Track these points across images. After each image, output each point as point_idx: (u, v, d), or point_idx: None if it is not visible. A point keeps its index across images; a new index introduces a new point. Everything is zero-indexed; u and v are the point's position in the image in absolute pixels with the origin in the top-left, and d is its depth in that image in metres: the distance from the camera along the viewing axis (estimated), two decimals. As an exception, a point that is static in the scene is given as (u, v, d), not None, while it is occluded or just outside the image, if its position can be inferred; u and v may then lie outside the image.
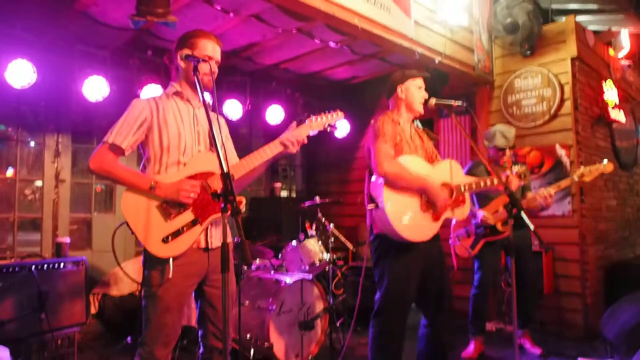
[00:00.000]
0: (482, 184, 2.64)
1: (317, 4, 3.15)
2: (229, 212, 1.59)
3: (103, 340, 4.15)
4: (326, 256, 3.85)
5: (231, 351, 3.29)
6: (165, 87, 2.23)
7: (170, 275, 1.90)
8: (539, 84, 4.73)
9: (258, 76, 5.21)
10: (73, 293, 3.58)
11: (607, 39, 5.43)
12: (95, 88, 3.92)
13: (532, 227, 2.26)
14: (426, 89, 2.75)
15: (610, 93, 5.16)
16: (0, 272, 3.19)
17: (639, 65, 6.36)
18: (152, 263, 1.94)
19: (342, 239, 4.34)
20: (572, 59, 4.59)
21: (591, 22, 5.33)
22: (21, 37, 3.60)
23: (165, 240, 1.90)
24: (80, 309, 3.61)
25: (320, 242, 3.94)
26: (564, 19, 4.78)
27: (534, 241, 3.94)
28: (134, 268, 4.30)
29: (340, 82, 5.79)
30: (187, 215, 1.95)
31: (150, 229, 1.89)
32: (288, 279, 3.49)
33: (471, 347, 3.75)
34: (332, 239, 3.91)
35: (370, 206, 2.51)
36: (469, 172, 3.62)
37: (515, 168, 2.93)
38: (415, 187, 2.50)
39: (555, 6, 5.09)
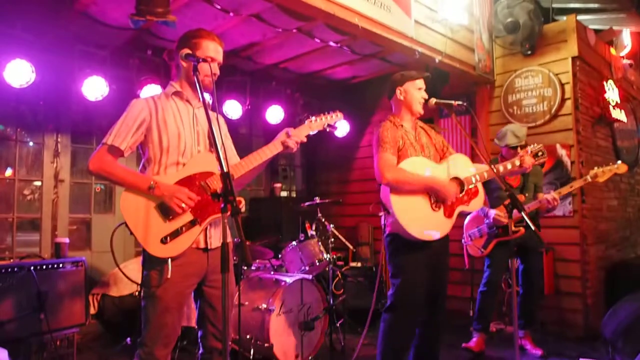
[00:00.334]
0: (494, 170, 2.64)
1: (318, 3, 3.15)
2: (228, 212, 1.58)
3: (102, 341, 4.14)
4: (326, 256, 3.84)
5: (231, 352, 3.28)
6: (165, 86, 2.22)
7: (169, 276, 1.89)
8: (539, 84, 4.72)
9: (258, 76, 5.20)
10: (72, 293, 3.57)
11: (609, 38, 5.41)
12: (95, 88, 3.91)
13: (532, 227, 2.26)
14: (426, 89, 2.76)
15: (612, 92, 5.15)
16: (-1, 272, 3.18)
17: (640, 65, 6.35)
18: (151, 263, 1.93)
19: (342, 239, 4.33)
20: (573, 59, 4.58)
21: (592, 21, 5.32)
22: (21, 36, 3.59)
23: (164, 240, 1.89)
24: (80, 309, 3.60)
25: (320, 242, 3.93)
26: (565, 18, 4.77)
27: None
28: (133, 268, 4.29)
29: (341, 81, 5.78)
30: (186, 216, 1.94)
31: (149, 230, 1.88)
32: (288, 279, 3.48)
33: (473, 341, 3.75)
34: (332, 239, 3.90)
35: (381, 214, 2.59)
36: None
37: (530, 148, 2.86)
38: (422, 187, 2.53)
39: (556, 5, 5.09)
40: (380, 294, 5.07)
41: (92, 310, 4.22)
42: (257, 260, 4.08)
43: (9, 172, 4.36)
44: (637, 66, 6.23)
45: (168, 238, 1.89)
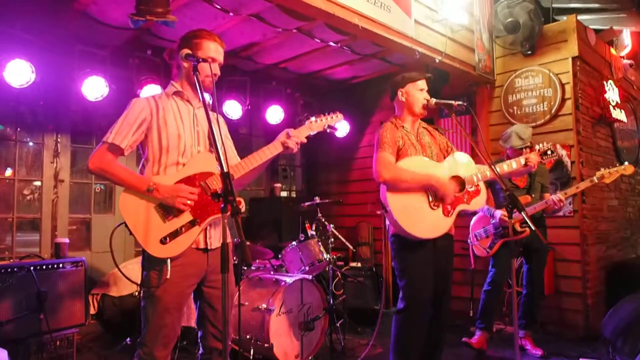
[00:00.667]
0: (497, 170, 2.64)
1: (318, 3, 3.14)
2: (228, 213, 1.57)
3: (102, 341, 4.13)
4: (326, 256, 3.83)
5: (231, 352, 3.28)
6: (164, 86, 2.22)
7: (169, 276, 1.89)
8: (539, 84, 4.71)
9: (258, 76, 5.19)
10: (72, 294, 3.57)
11: (609, 38, 5.40)
12: (95, 88, 3.90)
13: (533, 227, 2.26)
14: (427, 89, 2.76)
15: (612, 93, 5.15)
16: (-2, 272, 3.18)
17: (640, 65, 6.34)
18: (150, 264, 1.93)
19: (342, 239, 4.33)
20: (573, 59, 4.58)
21: (593, 21, 5.31)
22: (20, 36, 3.58)
23: (163, 240, 1.88)
24: (80, 309, 3.60)
25: (320, 242, 3.92)
26: (565, 18, 4.77)
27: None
28: (133, 268, 4.28)
29: (341, 81, 5.78)
30: (186, 216, 1.94)
31: (149, 230, 1.88)
32: (288, 279, 3.48)
33: (475, 338, 3.75)
34: (332, 239, 3.90)
35: (379, 212, 2.57)
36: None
37: (538, 146, 2.86)
38: (419, 185, 2.54)
39: (556, 5, 5.09)
40: (379, 294, 5.07)
41: (92, 311, 4.21)
42: (257, 260, 4.08)
43: (8, 172, 4.35)
44: (637, 66, 6.22)
45: (167, 238, 1.89)
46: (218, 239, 2.06)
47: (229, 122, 2.53)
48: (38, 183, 4.47)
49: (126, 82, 4.13)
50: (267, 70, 5.18)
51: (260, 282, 3.62)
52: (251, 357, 3.32)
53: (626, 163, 3.58)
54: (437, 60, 4.23)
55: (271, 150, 2.14)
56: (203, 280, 2.05)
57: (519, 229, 3.55)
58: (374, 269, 5.16)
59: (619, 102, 5.27)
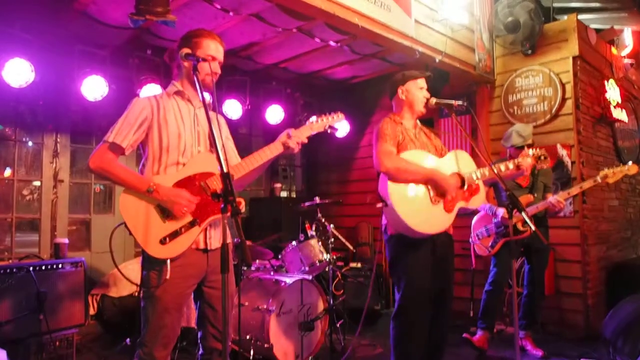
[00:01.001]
0: (495, 170, 2.64)
1: (318, 3, 3.14)
2: (228, 213, 1.57)
3: (102, 342, 4.13)
4: (326, 257, 3.83)
5: (231, 352, 3.28)
6: (164, 86, 2.21)
7: (168, 276, 1.88)
8: (540, 83, 4.70)
9: (258, 76, 5.19)
10: (72, 294, 3.56)
11: (610, 37, 5.40)
12: (95, 87, 3.89)
13: (533, 227, 2.25)
14: (427, 88, 2.75)
15: (613, 92, 5.14)
16: (-2, 273, 3.17)
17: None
18: (150, 264, 1.92)
19: (342, 239, 4.32)
20: (574, 58, 4.57)
21: (593, 21, 5.31)
22: (20, 36, 3.58)
23: (163, 241, 1.88)
24: (79, 310, 3.60)
25: (320, 242, 3.92)
26: (565, 17, 4.76)
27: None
28: (133, 269, 4.28)
29: (340, 81, 5.77)
30: (186, 216, 1.93)
31: (149, 230, 1.88)
32: (288, 280, 3.47)
33: (477, 336, 3.74)
34: (332, 240, 3.89)
35: (379, 205, 2.50)
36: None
37: (532, 152, 2.86)
38: (421, 177, 2.49)
39: (557, 4, 5.08)
40: (379, 294, 5.07)
41: (92, 311, 4.21)
42: (257, 261, 4.07)
43: (8, 172, 4.34)
44: (638, 66, 6.22)
45: (167, 239, 1.89)
46: (218, 239, 2.06)
47: (228, 122, 2.53)
48: (37, 183, 4.46)
49: (126, 82, 4.13)
50: (267, 70, 5.18)
51: (260, 283, 3.62)
52: (251, 358, 3.31)
53: (630, 163, 3.55)
54: (437, 60, 4.23)
55: (272, 151, 2.13)
56: (203, 280, 2.04)
57: (521, 228, 3.55)
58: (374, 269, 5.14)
59: (620, 101, 5.26)
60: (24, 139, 4.45)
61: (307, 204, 4.15)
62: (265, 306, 3.32)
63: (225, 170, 1.63)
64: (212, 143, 2.08)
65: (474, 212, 3.85)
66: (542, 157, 2.84)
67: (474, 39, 4.70)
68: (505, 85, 4.93)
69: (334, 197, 5.42)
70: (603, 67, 5.14)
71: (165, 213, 1.91)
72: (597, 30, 5.15)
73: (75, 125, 4.65)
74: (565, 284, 4.43)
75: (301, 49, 4.64)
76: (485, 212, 3.78)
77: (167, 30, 3.79)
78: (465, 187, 2.60)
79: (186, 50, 1.99)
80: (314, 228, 4.06)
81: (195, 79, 1.89)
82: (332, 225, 3.99)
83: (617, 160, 5.33)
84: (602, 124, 5.06)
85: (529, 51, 4.77)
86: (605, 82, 5.07)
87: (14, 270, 3.26)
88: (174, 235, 1.90)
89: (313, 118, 2.27)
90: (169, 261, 1.89)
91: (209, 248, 2.02)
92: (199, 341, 2.11)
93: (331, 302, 3.70)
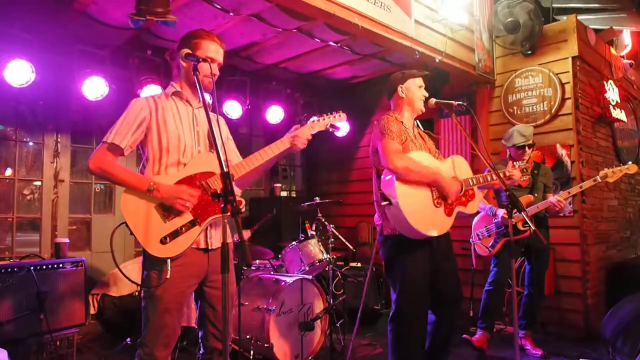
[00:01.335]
0: (489, 178, 2.69)
1: (318, 3, 3.14)
2: (229, 213, 1.57)
3: (102, 341, 4.14)
4: (326, 256, 3.83)
5: (231, 352, 3.28)
6: (164, 86, 2.22)
7: (168, 276, 1.88)
8: (539, 84, 4.71)
9: (258, 76, 5.19)
10: (72, 294, 3.57)
11: (609, 37, 5.40)
12: (95, 87, 3.90)
13: (533, 227, 2.26)
14: (426, 88, 2.76)
15: (612, 92, 5.15)
16: (-2, 272, 3.18)
17: (640, 65, 6.34)
18: (151, 263, 1.93)
19: (342, 239, 4.32)
20: (573, 58, 4.58)
21: (593, 21, 5.31)
22: (20, 36, 3.58)
23: (163, 240, 1.88)
24: (80, 309, 3.60)
25: (320, 242, 3.92)
26: (565, 17, 4.77)
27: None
28: (133, 268, 4.29)
29: (340, 81, 5.78)
30: (186, 216, 1.94)
31: (149, 230, 1.88)
32: (288, 279, 3.48)
33: (476, 336, 3.74)
34: (332, 240, 3.89)
35: (384, 203, 2.47)
36: None
37: (517, 164, 2.96)
38: (428, 179, 2.50)
39: (556, 5, 5.09)
40: (379, 294, 5.08)
41: (92, 311, 4.22)
42: (257, 261, 4.08)
43: (8, 172, 4.35)
44: (637, 66, 6.22)
45: (168, 238, 1.89)
46: (219, 239, 2.06)
47: (229, 122, 2.53)
48: (38, 183, 4.47)
49: (126, 82, 4.13)
50: (267, 70, 5.18)
51: (260, 282, 3.62)
52: (251, 357, 3.32)
53: (630, 162, 3.56)
54: (437, 60, 4.23)
55: (279, 146, 2.13)
56: (204, 280, 2.04)
57: (521, 228, 3.56)
58: (374, 269, 5.15)
59: (619, 101, 5.27)
60: (24, 139, 4.46)
61: (307, 203, 4.15)
62: (265, 306, 3.32)
63: (225, 170, 1.63)
64: (211, 143, 2.08)
65: (469, 215, 3.86)
66: (525, 170, 2.92)
67: (474, 39, 4.71)
68: (505, 86, 4.94)
69: (334, 197, 5.43)
70: (602, 68, 5.14)
71: (166, 212, 1.91)
72: (597, 31, 5.16)
73: (75, 125, 4.66)
74: (565, 284, 4.44)
75: (301, 49, 4.65)
76: (485, 213, 3.79)
77: (167, 31, 3.80)
78: (462, 192, 2.61)
79: (186, 51, 1.99)
80: (314, 228, 4.07)
81: (196, 79, 1.89)
82: (332, 225, 3.99)
83: (617, 160, 5.34)
84: (601, 124, 5.07)
85: (529, 51, 4.78)
86: (605, 83, 5.08)
87: (15, 269, 3.27)
88: (175, 234, 1.90)
89: (314, 118, 2.27)
90: (169, 261, 1.89)
91: (209, 248, 2.02)
92: (199, 341, 2.11)
93: (331, 301, 3.70)
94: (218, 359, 2.07)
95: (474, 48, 4.70)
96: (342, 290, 4.61)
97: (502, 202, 3.80)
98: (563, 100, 4.57)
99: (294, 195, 6.71)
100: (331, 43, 4.40)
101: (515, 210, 2.45)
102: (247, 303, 3.44)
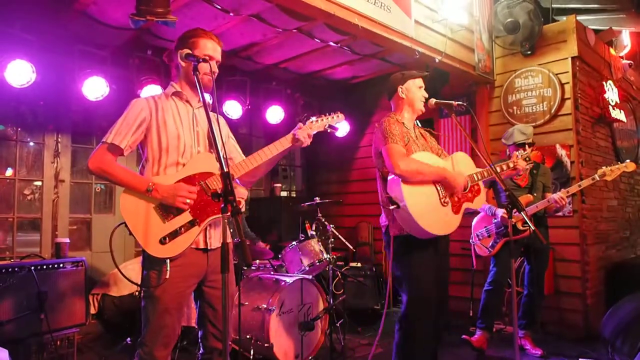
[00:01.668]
0: (493, 170, 2.67)
1: (318, 3, 3.15)
2: (229, 213, 1.58)
3: (102, 341, 4.14)
4: (326, 256, 3.84)
5: (231, 352, 3.29)
6: (165, 86, 2.22)
7: (168, 276, 1.89)
8: (539, 84, 4.72)
9: (258, 76, 5.19)
10: (72, 293, 3.57)
11: (608, 38, 5.41)
12: (95, 88, 3.90)
13: (532, 227, 2.26)
14: (426, 89, 2.77)
15: (611, 93, 5.15)
16: (-1, 272, 3.18)
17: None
18: (150, 263, 1.93)
19: (342, 239, 4.33)
20: (573, 59, 4.58)
21: (592, 22, 5.32)
22: (20, 36, 3.58)
23: (162, 241, 1.89)
24: (80, 309, 3.61)
25: (320, 242, 3.93)
26: (564, 18, 4.77)
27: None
28: (133, 268, 4.29)
29: (340, 81, 5.78)
30: (185, 216, 1.94)
31: (149, 230, 1.89)
32: (288, 279, 3.48)
33: (475, 336, 3.75)
34: (332, 240, 3.90)
35: (392, 207, 2.48)
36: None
37: (520, 153, 2.96)
38: (435, 178, 2.52)
39: (556, 5, 5.09)
40: (379, 294, 5.08)
41: (92, 310, 4.22)
42: (257, 261, 4.08)
43: (9, 172, 4.36)
44: (636, 66, 6.23)
45: (167, 238, 1.89)
46: (218, 239, 2.07)
47: (229, 122, 2.53)
48: (38, 183, 4.47)
49: (126, 82, 4.13)
50: (267, 70, 5.19)
51: (260, 282, 3.63)
52: (251, 357, 3.32)
53: (627, 160, 3.58)
54: (437, 60, 4.24)
55: (282, 144, 2.14)
56: (203, 280, 2.05)
57: (520, 227, 3.57)
58: (374, 269, 5.16)
59: (619, 102, 5.28)
60: (25, 139, 4.46)
61: (307, 203, 4.16)
62: (265, 306, 3.32)
63: (225, 169, 1.64)
64: (211, 143, 2.09)
65: (475, 212, 3.87)
66: (527, 158, 2.95)
67: (474, 39, 4.71)
68: (505, 86, 4.95)
69: (334, 197, 5.44)
70: (602, 68, 5.15)
71: (165, 213, 1.92)
72: (596, 31, 5.16)
73: (76, 125, 4.67)
74: (565, 284, 4.44)
75: (301, 49, 4.65)
76: (485, 213, 3.80)
77: (168, 31, 3.80)
78: (468, 188, 2.62)
79: (186, 51, 2.00)
80: (314, 228, 4.07)
81: (196, 79, 1.89)
82: (332, 225, 4.00)
83: (616, 160, 5.34)
84: (601, 124, 5.07)
85: (529, 52, 4.78)
86: (604, 83, 5.09)
87: (15, 269, 3.28)
88: (174, 235, 1.91)
89: (313, 118, 2.28)
90: (168, 261, 1.89)
91: (209, 248, 2.03)
92: (199, 340, 2.12)
93: (331, 301, 3.71)
94: (218, 359, 2.07)
95: (474, 48, 4.70)
96: (342, 290, 4.62)
97: (502, 202, 3.80)
98: (563, 100, 4.58)
99: (294, 195, 6.72)
100: (331, 43, 4.41)
101: (515, 210, 2.46)
102: (247, 303, 3.45)
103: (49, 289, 3.39)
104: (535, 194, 3.70)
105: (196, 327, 2.15)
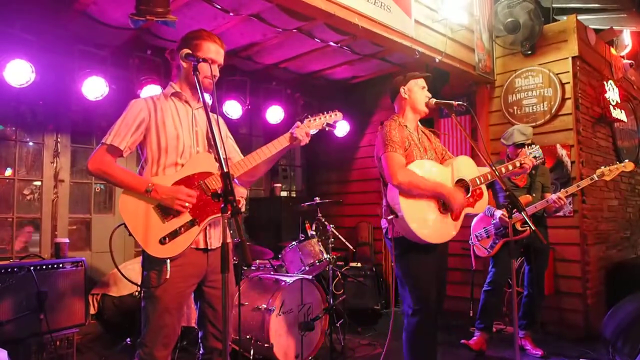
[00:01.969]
0: (497, 172, 2.66)
1: (318, 3, 3.14)
2: (229, 213, 1.57)
3: (102, 341, 4.14)
4: (326, 256, 3.83)
5: (231, 352, 3.28)
6: (165, 86, 2.22)
7: (168, 276, 1.88)
8: (539, 84, 4.71)
9: (258, 76, 5.19)
10: (72, 294, 3.57)
11: (609, 38, 5.41)
12: (95, 88, 3.90)
13: (532, 227, 2.26)
14: (427, 89, 2.76)
15: (612, 92, 5.15)
16: (-2, 272, 3.18)
17: (640, 65, 6.34)
18: (150, 264, 1.93)
19: (342, 239, 4.32)
20: (574, 58, 4.58)
21: (593, 21, 5.31)
22: (20, 36, 3.58)
23: (162, 241, 1.88)
24: (80, 309, 3.60)
25: (320, 242, 3.92)
26: (565, 18, 4.77)
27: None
28: (133, 268, 4.29)
29: (341, 81, 5.78)
30: (185, 216, 1.94)
31: (148, 230, 1.88)
32: (288, 279, 3.48)
33: (474, 339, 3.75)
34: (332, 240, 3.90)
35: (390, 217, 2.51)
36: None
37: (526, 149, 2.94)
38: (431, 194, 2.52)
39: (556, 5, 5.09)
40: (379, 294, 5.08)
41: (92, 311, 4.22)
42: (257, 261, 4.08)
43: (8, 172, 4.35)
44: (637, 66, 6.22)
45: (167, 238, 1.89)
46: (218, 238, 2.06)
47: (229, 122, 2.54)
48: (38, 183, 4.47)
49: (126, 82, 4.13)
50: (267, 70, 5.18)
51: (260, 282, 3.63)
52: (251, 357, 3.32)
53: (626, 160, 3.57)
54: (437, 60, 4.23)
55: (281, 143, 2.14)
56: (203, 280, 2.05)
57: (519, 228, 3.56)
58: (374, 269, 5.16)
59: (619, 101, 5.27)
60: (24, 139, 4.46)
61: (307, 203, 4.15)
62: (265, 306, 3.32)
63: (225, 169, 1.63)
64: (210, 143, 2.08)
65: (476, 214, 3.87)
66: (536, 157, 2.90)
67: (474, 39, 4.71)
68: (505, 86, 4.94)
69: (334, 197, 5.43)
70: (602, 68, 5.14)
71: (165, 213, 1.91)
72: (597, 31, 5.16)
73: (75, 125, 4.66)
74: (565, 284, 4.44)
75: (301, 49, 4.65)
76: (484, 214, 3.79)
77: (168, 31, 3.80)
78: (470, 193, 2.61)
79: (187, 51, 1.99)
80: (314, 228, 4.07)
81: (196, 79, 1.89)
82: (332, 225, 3.99)
83: (617, 160, 5.33)
84: (601, 124, 5.07)
85: (529, 51, 4.78)
86: (605, 83, 5.08)
87: (15, 269, 3.27)
88: (174, 235, 1.91)
89: (310, 117, 2.27)
90: (168, 261, 1.89)
91: (209, 247, 2.02)
92: (199, 341, 2.11)
93: (331, 301, 3.71)
94: (218, 359, 2.07)
95: (474, 48, 4.70)
96: (342, 290, 4.61)
97: (500, 203, 3.80)
98: (563, 100, 4.57)
99: (294, 195, 6.71)
100: (331, 43, 4.40)
101: (514, 210, 2.45)
102: (247, 303, 3.44)
103: (49, 289, 3.38)
104: (534, 195, 3.69)
105: (196, 327, 2.15)
